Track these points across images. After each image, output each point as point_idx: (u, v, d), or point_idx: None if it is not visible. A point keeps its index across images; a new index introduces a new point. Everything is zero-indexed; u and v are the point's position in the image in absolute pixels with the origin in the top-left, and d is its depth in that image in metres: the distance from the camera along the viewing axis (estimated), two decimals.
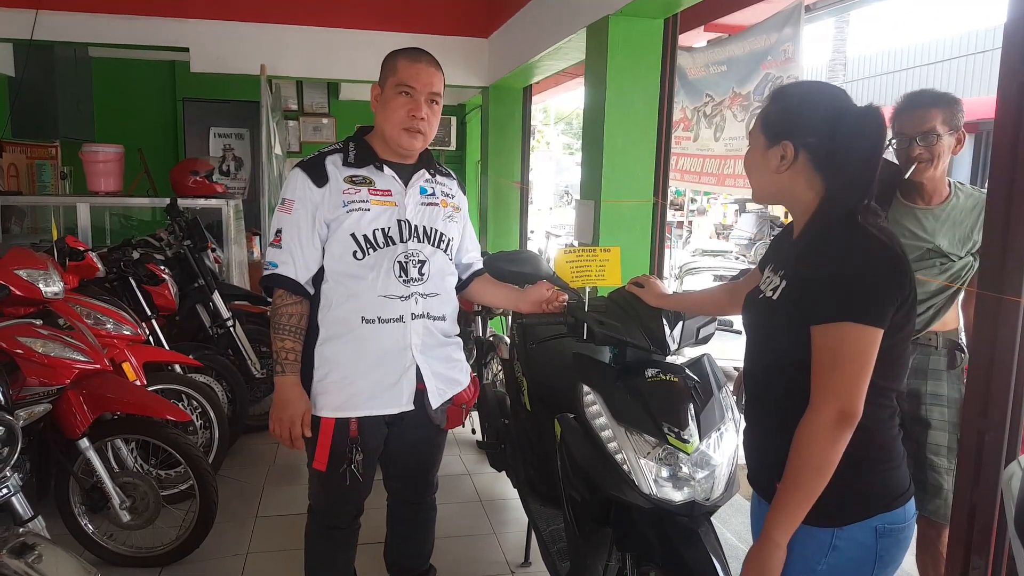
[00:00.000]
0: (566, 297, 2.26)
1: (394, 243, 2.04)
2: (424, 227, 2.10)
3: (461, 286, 2.32)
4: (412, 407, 2.10)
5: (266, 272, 2.06)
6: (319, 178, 2.02)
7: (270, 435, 2.11)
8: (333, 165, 2.04)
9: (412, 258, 2.06)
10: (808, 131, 1.44)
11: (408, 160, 2.12)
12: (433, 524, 2.46)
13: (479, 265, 2.40)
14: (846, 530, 1.41)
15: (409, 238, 2.06)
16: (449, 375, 2.18)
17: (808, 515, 1.38)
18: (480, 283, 2.39)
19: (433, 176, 2.17)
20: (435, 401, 2.13)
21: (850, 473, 1.37)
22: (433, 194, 2.15)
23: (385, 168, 2.08)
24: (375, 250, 2.02)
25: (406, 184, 2.09)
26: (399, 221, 2.05)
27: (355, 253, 2.02)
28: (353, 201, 2.01)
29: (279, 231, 2.04)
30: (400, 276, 2.04)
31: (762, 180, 1.54)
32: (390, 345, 2.05)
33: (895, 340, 1.38)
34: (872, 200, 1.46)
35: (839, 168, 1.43)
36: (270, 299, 2.08)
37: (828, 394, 1.34)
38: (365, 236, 2.02)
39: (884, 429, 1.43)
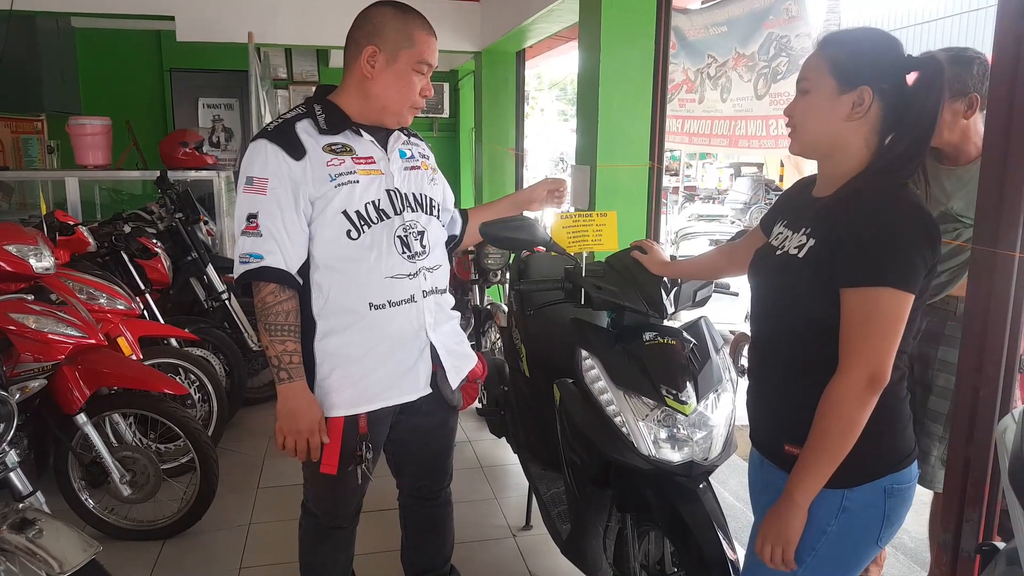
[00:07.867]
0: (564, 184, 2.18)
1: (387, 216, 1.84)
2: (414, 194, 1.92)
3: (459, 241, 2.20)
4: (430, 390, 1.95)
5: (247, 266, 1.75)
6: (294, 149, 1.75)
7: (270, 407, 1.97)
8: (306, 133, 1.79)
9: (411, 230, 1.88)
10: (884, 77, 1.38)
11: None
12: (451, 521, 2.28)
13: (457, 212, 2.21)
14: (856, 491, 1.41)
15: (403, 209, 1.88)
16: (461, 350, 2.05)
17: None
18: (474, 222, 2.20)
19: (408, 137, 2.01)
20: (454, 380, 2.00)
21: (861, 435, 1.36)
22: (412, 156, 1.98)
23: (363, 133, 1.87)
24: (370, 226, 1.82)
25: (386, 149, 1.90)
26: (388, 191, 1.86)
27: (349, 233, 1.80)
28: (341, 174, 1.79)
29: (253, 216, 1.74)
30: (403, 252, 1.86)
31: (821, 128, 1.44)
32: (404, 328, 1.88)
33: (914, 305, 1.36)
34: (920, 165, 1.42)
35: (908, 124, 1.37)
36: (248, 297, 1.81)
37: (860, 358, 1.32)
38: (358, 212, 1.80)
39: (894, 392, 1.43)
